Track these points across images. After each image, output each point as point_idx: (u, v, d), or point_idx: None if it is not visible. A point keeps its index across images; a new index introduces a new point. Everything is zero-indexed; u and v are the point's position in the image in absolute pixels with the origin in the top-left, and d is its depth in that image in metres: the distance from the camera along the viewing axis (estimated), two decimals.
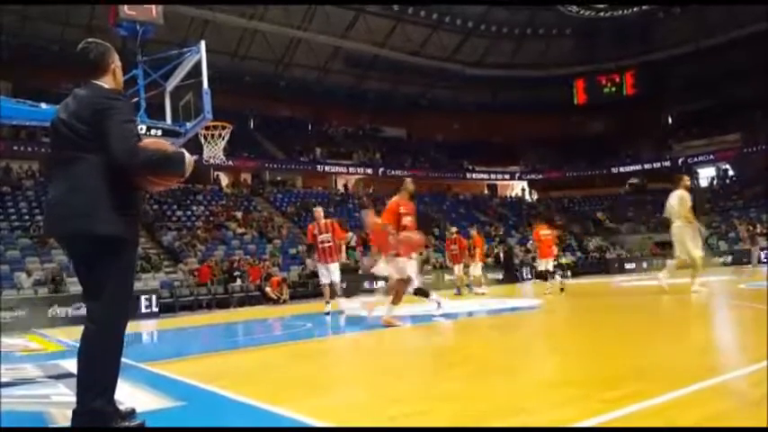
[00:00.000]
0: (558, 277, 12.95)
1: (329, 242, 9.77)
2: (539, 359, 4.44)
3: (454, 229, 16.24)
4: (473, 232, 16.06)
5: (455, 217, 30.22)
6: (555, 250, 13.46)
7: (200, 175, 26.65)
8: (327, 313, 9.55)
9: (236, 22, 28.12)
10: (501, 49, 35.66)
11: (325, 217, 10.51)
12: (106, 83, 2.64)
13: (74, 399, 2.46)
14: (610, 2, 32.54)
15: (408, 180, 7.61)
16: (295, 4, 28.27)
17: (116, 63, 2.71)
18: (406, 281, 6.97)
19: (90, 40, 2.72)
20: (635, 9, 33.10)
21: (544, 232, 13.05)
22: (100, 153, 2.45)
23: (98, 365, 2.44)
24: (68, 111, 2.56)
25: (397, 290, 6.98)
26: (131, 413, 2.62)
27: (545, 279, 12.84)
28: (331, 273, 9.83)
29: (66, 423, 2.58)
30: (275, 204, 27.17)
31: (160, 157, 2.51)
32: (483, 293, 14.08)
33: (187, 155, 2.60)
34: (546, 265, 12.76)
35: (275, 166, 30.59)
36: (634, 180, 36.70)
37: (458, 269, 15.14)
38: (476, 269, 15.12)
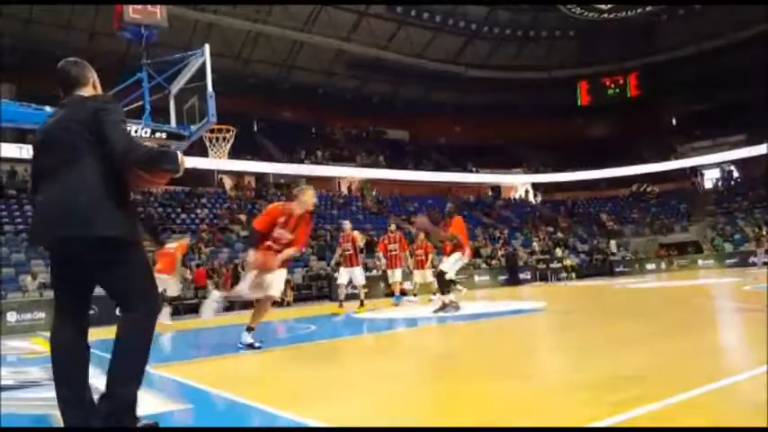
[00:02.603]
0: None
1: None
2: (543, 362, 4.43)
3: (393, 227, 13.82)
4: (420, 235, 13.79)
5: None
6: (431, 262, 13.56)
7: (204, 178, 26.69)
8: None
9: (239, 26, 28.17)
10: (504, 51, 35.66)
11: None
12: (89, 93, 2.76)
13: None
14: (613, 2, 32.49)
15: None
16: (298, 4, 28.31)
17: (94, 76, 2.85)
18: None
19: (68, 59, 2.84)
20: (638, 10, 33.05)
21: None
22: (96, 156, 2.49)
23: (138, 354, 2.51)
24: (61, 117, 2.62)
25: None
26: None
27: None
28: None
29: None
30: None
31: (157, 151, 2.64)
32: (413, 302, 12.59)
33: (180, 154, 2.65)
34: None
35: (279, 166, 30.56)
36: (634, 187, 36.51)
37: (396, 274, 12.75)
38: (422, 275, 13.18)
